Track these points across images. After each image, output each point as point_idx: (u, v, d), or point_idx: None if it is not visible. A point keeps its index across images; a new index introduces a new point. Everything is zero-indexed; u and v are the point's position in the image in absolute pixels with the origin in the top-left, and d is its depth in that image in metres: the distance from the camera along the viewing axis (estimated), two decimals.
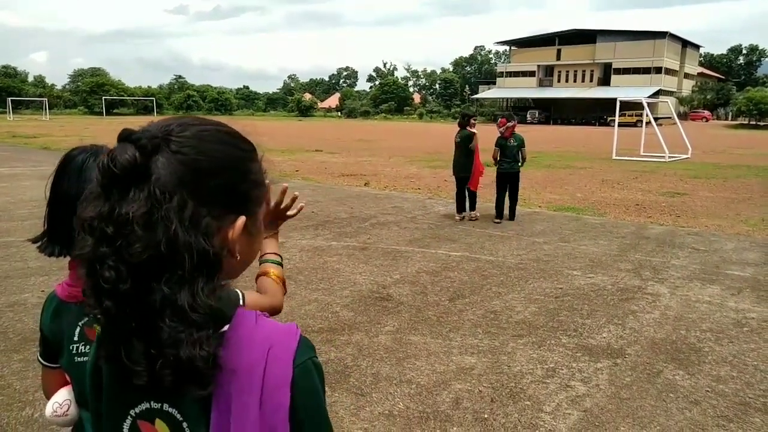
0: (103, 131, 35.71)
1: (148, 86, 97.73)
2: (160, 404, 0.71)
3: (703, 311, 4.29)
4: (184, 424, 0.70)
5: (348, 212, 8.36)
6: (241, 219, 0.69)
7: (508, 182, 7.78)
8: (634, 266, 5.53)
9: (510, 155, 7.76)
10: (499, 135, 7.83)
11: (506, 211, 7.91)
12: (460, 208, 7.91)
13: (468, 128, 7.92)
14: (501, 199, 7.82)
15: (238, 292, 1.04)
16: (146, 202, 0.62)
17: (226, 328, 0.69)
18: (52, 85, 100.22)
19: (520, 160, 7.88)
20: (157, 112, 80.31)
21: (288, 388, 0.69)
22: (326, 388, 2.72)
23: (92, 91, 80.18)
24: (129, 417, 0.73)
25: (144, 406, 0.72)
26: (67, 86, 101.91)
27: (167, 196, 0.62)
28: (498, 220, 7.77)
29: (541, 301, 4.47)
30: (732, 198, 10.81)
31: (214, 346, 0.64)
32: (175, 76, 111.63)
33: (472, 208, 8.04)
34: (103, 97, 76.55)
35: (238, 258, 0.71)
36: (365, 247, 6.20)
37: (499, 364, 3.38)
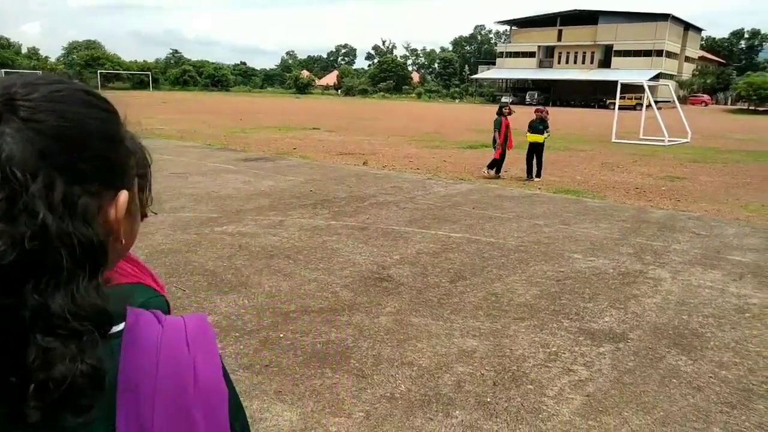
0: None
1: (144, 60, 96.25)
2: None
3: (705, 296, 4.27)
4: None
5: (346, 191, 8.28)
6: (124, 194, 0.58)
7: (534, 150, 10.46)
8: (635, 250, 5.50)
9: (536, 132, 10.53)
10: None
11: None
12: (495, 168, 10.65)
13: (502, 115, 10.55)
14: (530, 161, 10.49)
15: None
16: (2, 187, 0.48)
17: (120, 327, 0.57)
18: (46, 57, 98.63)
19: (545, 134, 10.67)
20: (153, 87, 79.35)
21: (222, 382, 0.60)
22: (328, 370, 2.67)
23: (87, 65, 78.99)
24: None
25: None
26: (61, 59, 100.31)
27: (28, 176, 0.49)
28: (528, 178, 10.35)
29: (543, 284, 4.43)
30: (731, 183, 10.78)
31: (99, 356, 0.51)
32: (171, 51, 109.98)
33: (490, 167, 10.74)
34: (99, 71, 75.44)
35: (123, 242, 0.59)
36: (364, 227, 6.14)
37: (501, 347, 3.35)
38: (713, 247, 5.69)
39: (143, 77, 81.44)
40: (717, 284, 4.55)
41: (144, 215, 0.72)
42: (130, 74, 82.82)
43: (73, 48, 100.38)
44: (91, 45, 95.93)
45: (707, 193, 9.56)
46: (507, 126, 10.45)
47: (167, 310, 0.85)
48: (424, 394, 2.82)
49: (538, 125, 10.59)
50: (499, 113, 10.59)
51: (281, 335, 3.43)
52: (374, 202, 7.54)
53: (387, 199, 7.77)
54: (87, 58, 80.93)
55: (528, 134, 10.56)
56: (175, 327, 0.61)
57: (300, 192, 8.11)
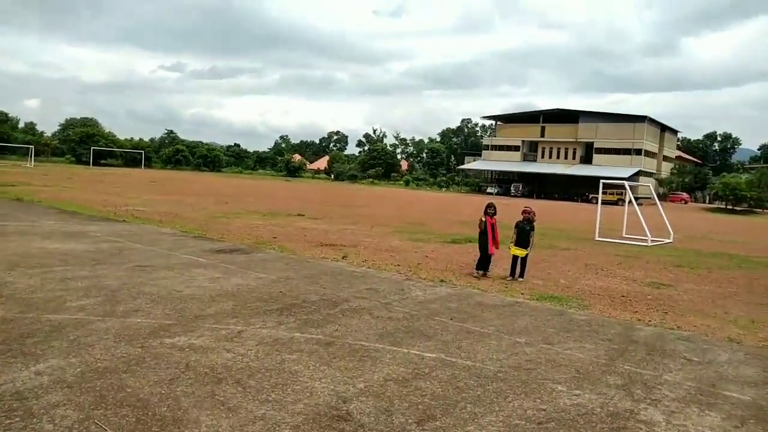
0: (84, 181, 35.18)
1: (140, 139, 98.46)
2: None
3: None
4: None
5: (319, 294, 7.81)
6: None
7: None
8: (624, 381, 5.02)
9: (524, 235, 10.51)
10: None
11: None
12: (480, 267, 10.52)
13: (487, 215, 10.50)
14: (514, 261, 10.41)
15: None
16: None
17: None
18: (42, 132, 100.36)
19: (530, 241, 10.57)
20: (145, 165, 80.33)
21: None
22: None
23: (81, 141, 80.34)
24: None
25: None
26: (56, 134, 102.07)
27: None
28: (511, 277, 10.28)
29: (522, 429, 3.91)
30: (717, 292, 10.50)
31: None
32: (166, 131, 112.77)
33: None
34: (92, 148, 76.46)
35: None
36: (331, 341, 5.62)
37: None
38: (708, 379, 5.23)
39: (136, 155, 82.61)
40: None
41: None
42: (124, 152, 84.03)
43: (69, 124, 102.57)
44: (87, 122, 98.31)
45: (694, 304, 9.22)
46: (491, 225, 10.39)
47: None
48: None
49: (525, 226, 10.47)
50: (485, 213, 10.54)
51: None
52: (346, 309, 7.06)
53: (360, 305, 7.29)
54: (82, 135, 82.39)
55: (512, 246, 10.39)
56: None
57: (268, 293, 7.62)
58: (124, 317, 6.02)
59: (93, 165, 72.39)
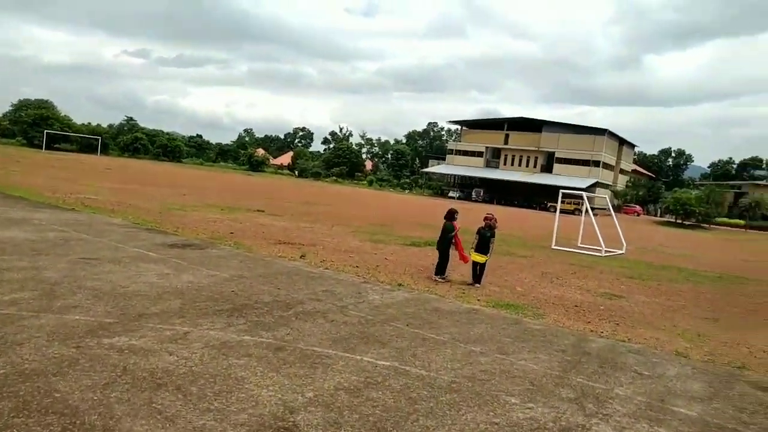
0: (34, 165, 33.49)
1: (97, 124, 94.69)
2: None
3: None
4: None
5: (272, 294, 7.57)
6: None
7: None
8: (576, 394, 5.01)
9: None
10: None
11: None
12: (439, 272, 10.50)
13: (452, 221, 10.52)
14: (475, 266, 10.45)
15: None
16: None
17: None
18: None
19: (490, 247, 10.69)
20: (102, 152, 77.30)
21: None
22: None
23: (35, 123, 76.56)
24: None
25: None
26: (7, 115, 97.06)
27: None
28: (471, 282, 10.35)
29: None
30: (667, 305, 10.79)
31: None
32: (126, 117, 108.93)
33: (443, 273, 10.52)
34: (45, 131, 73.08)
35: None
36: (281, 346, 5.41)
37: None
38: (657, 394, 5.28)
39: (92, 141, 79.45)
40: None
41: None
42: (79, 137, 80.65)
43: (22, 105, 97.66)
44: (42, 104, 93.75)
45: (645, 315, 9.43)
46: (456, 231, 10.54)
47: None
48: None
49: (486, 233, 10.54)
50: (449, 218, 10.55)
51: None
52: (300, 311, 6.84)
53: (315, 308, 7.10)
54: (35, 117, 78.52)
55: (472, 252, 10.46)
56: None
57: (220, 292, 7.33)
58: (61, 314, 5.64)
59: (46, 149, 69.20)
